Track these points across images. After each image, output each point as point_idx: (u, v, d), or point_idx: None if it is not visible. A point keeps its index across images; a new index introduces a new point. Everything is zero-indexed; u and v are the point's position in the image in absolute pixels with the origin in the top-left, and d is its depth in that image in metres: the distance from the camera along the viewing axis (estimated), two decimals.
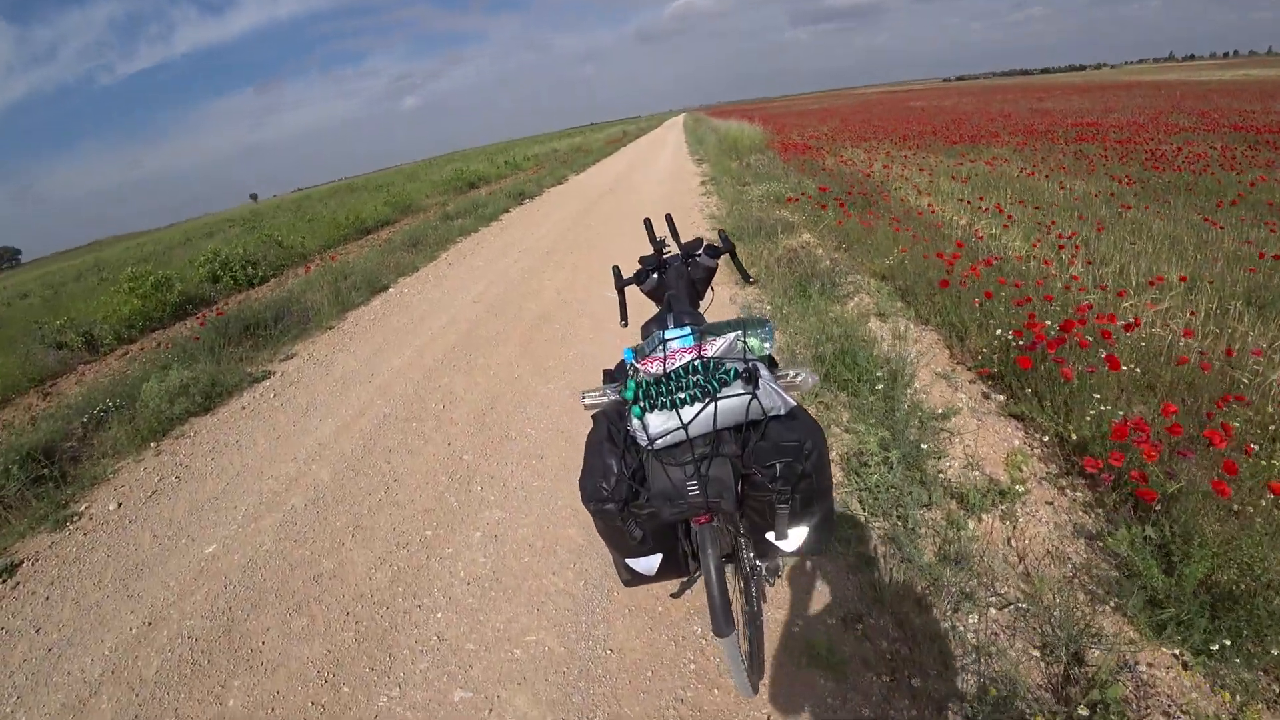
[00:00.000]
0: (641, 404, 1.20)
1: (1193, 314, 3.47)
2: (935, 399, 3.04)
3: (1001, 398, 3.06)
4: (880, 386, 3.03)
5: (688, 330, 1.31)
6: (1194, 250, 4.82)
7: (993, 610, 1.96)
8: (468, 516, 2.67)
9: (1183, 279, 3.88)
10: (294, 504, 2.96)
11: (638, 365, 1.25)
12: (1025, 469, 2.47)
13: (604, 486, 1.26)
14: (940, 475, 2.48)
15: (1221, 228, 5.23)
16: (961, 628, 1.89)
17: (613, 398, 1.39)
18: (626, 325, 2.05)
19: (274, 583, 2.48)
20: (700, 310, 1.91)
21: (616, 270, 2.10)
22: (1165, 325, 3.18)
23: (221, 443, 3.73)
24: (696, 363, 1.22)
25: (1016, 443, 2.67)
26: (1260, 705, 1.61)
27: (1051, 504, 2.34)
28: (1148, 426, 2.22)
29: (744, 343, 1.25)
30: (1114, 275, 4.11)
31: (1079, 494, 2.39)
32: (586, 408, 1.40)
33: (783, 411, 1.21)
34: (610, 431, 1.32)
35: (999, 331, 3.17)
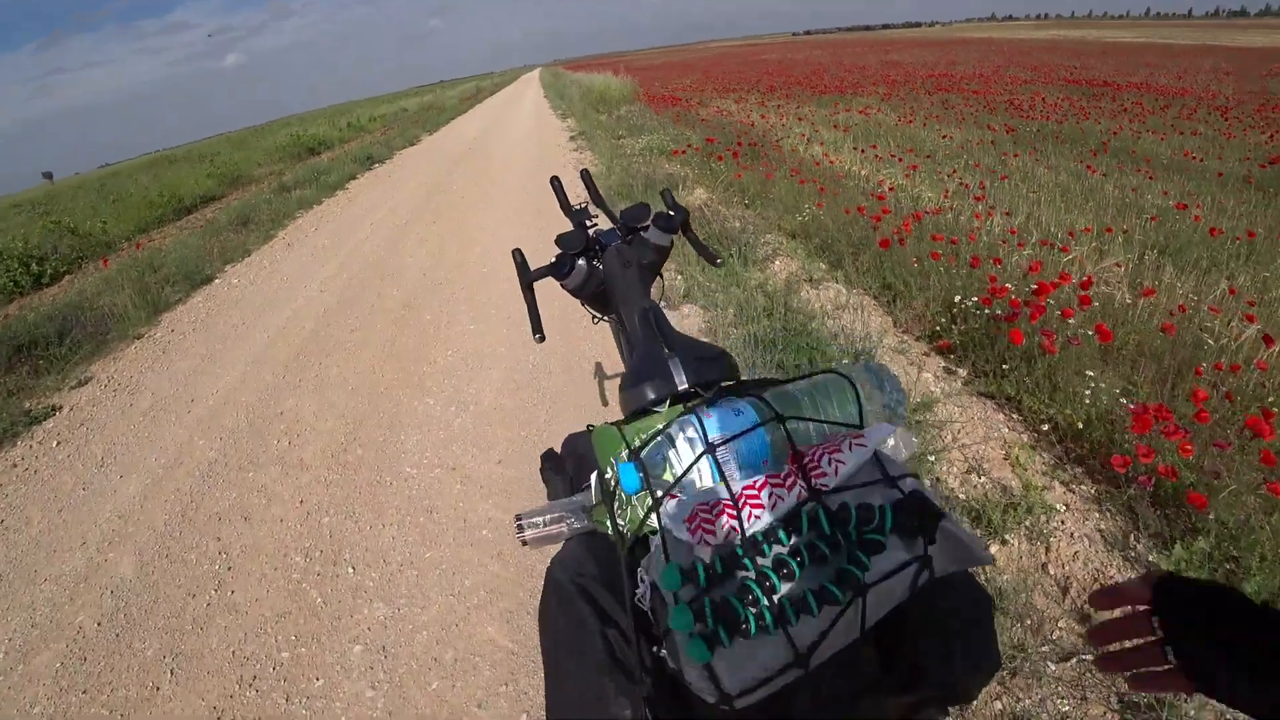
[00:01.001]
0: (702, 627, 0.55)
1: (1117, 265, 3.33)
2: (905, 383, 2.63)
3: (964, 373, 2.72)
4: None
5: (743, 410, 0.68)
6: (1084, 198, 4.85)
7: (1051, 666, 1.56)
8: (339, 619, 1.90)
9: (1088, 230, 3.78)
10: (80, 625, 2.02)
11: (676, 532, 0.59)
12: (1032, 468, 2.10)
13: None
14: (945, 487, 2.06)
15: (1103, 175, 5.34)
16: (1026, 702, 1.47)
17: (576, 524, 0.74)
18: (542, 340, 1.35)
19: None
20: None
21: (519, 258, 1.36)
22: (1115, 284, 2.99)
23: None
24: (812, 512, 0.58)
25: (1006, 431, 2.32)
26: None
27: (1067, 507, 1.99)
28: (1170, 412, 1.90)
29: (889, 443, 0.63)
30: (1029, 226, 3.95)
31: (1084, 487, 2.07)
32: (527, 543, 0.73)
33: (975, 565, 0.62)
34: (591, 622, 0.66)
35: (958, 298, 2.82)
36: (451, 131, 15.46)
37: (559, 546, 0.80)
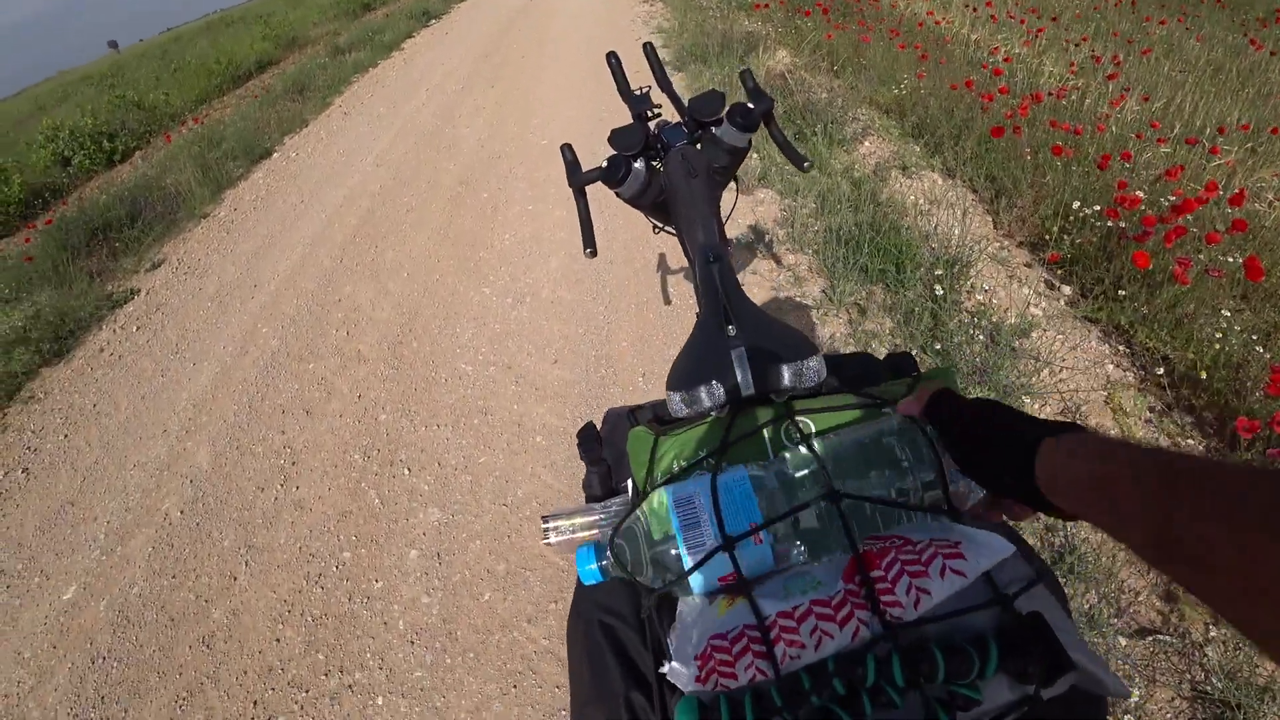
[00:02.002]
0: None
1: (1277, 176, 2.81)
2: (1001, 299, 2.36)
3: (1068, 290, 2.42)
4: (938, 285, 2.32)
5: (789, 473, 0.52)
6: (1241, 81, 4.07)
7: (1123, 640, 1.45)
8: (396, 522, 1.95)
9: (1245, 127, 3.16)
10: (166, 512, 2.17)
11: (683, 672, 0.45)
12: (1137, 416, 1.88)
13: None
14: None
15: (1271, 53, 4.43)
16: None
17: (603, 527, 0.63)
18: (594, 254, 1.20)
19: (149, 661, 1.78)
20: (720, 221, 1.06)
21: (569, 155, 1.18)
22: (1271, 201, 2.52)
23: (77, 411, 2.77)
24: (881, 655, 0.42)
25: (1110, 368, 2.07)
26: None
27: None
28: None
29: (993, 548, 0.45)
30: (1171, 116, 3.35)
31: (1191, 442, 1.85)
32: (551, 545, 0.65)
33: (1106, 694, 0.48)
34: (619, 682, 0.56)
35: (1077, 204, 2.44)
36: None
37: None
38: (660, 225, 1.39)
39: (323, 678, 1.61)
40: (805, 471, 0.51)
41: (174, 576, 1.96)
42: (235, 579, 1.89)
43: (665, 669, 0.50)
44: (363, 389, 2.49)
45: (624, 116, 1.22)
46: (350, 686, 1.58)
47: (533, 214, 3.57)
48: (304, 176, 4.67)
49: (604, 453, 0.74)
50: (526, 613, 1.65)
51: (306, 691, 1.59)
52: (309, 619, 1.75)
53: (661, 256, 2.93)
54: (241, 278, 3.48)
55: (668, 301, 2.70)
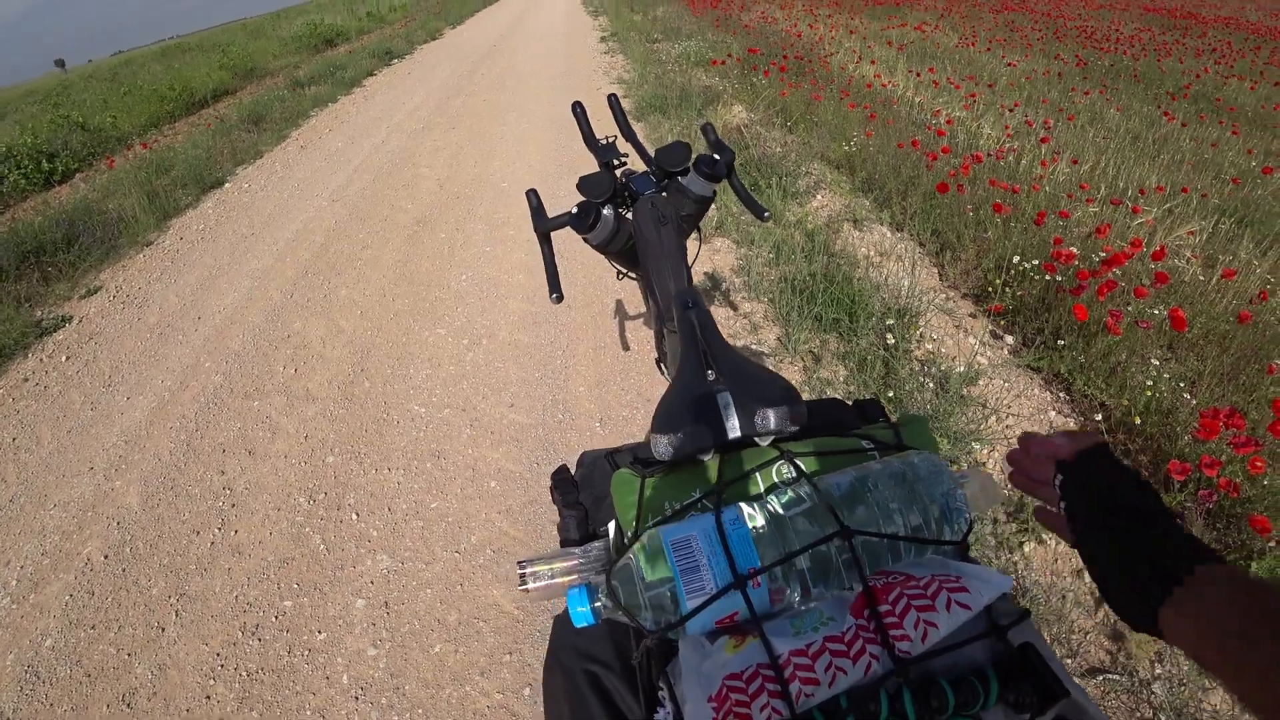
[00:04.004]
0: None
1: (1191, 234, 3.05)
2: (948, 347, 2.45)
3: (1011, 340, 2.53)
4: (889, 334, 2.39)
5: (796, 507, 0.52)
6: (1156, 148, 4.44)
7: (1076, 679, 1.47)
8: (342, 569, 1.86)
9: (1160, 189, 3.43)
10: (88, 557, 2.01)
11: (694, 710, 0.45)
12: None
13: None
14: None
15: (1181, 124, 4.86)
16: None
17: (583, 572, 0.61)
18: (560, 300, 1.19)
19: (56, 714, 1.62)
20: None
21: (534, 201, 1.19)
22: (1188, 257, 2.72)
23: None
24: (892, 689, 0.43)
25: (1052, 414, 2.16)
26: None
27: None
28: (1242, 419, 1.72)
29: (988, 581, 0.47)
30: (1096, 178, 3.61)
31: None
32: (530, 593, 0.62)
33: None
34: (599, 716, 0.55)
35: (1016, 259, 2.58)
36: (475, 25, 14.52)
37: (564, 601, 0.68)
38: (624, 271, 1.40)
39: None
40: (803, 510, 0.51)
41: (93, 627, 1.81)
42: (163, 630, 1.76)
43: (659, 716, 0.49)
44: (310, 429, 2.40)
45: (584, 163, 1.24)
46: None
47: (491, 255, 3.56)
48: (256, 208, 4.56)
49: (580, 496, 0.72)
50: (479, 665, 1.58)
51: None
52: (244, 674, 1.63)
53: (619, 303, 2.96)
54: (185, 309, 3.34)
55: (625, 348, 2.70)
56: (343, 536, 1.95)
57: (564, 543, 0.71)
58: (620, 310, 2.91)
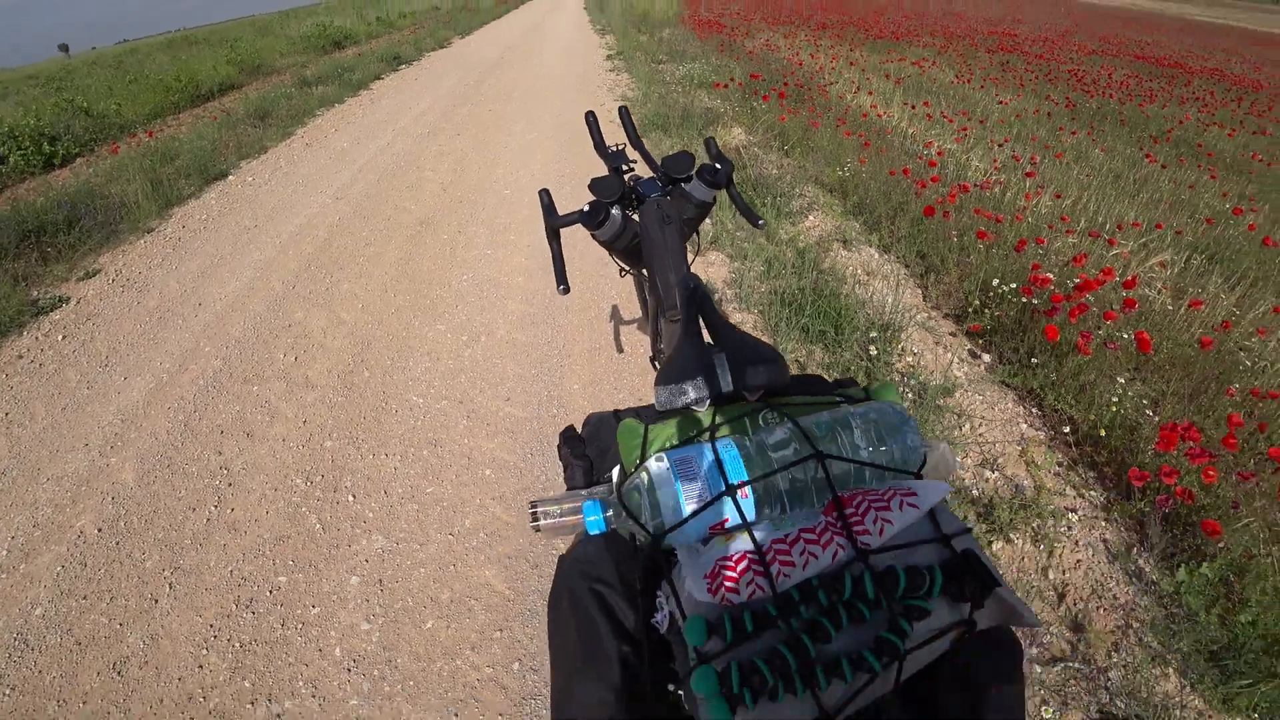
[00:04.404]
0: (726, 691, 0.50)
1: (1162, 265, 3.19)
2: (927, 361, 2.56)
3: (988, 358, 2.64)
4: (872, 346, 2.50)
5: (780, 439, 0.61)
6: (1137, 188, 4.62)
7: (1038, 668, 1.56)
8: (337, 548, 1.91)
9: (1137, 224, 3.60)
10: (81, 529, 2.05)
11: (695, 591, 0.53)
12: (1046, 469, 2.06)
13: None
14: (957, 479, 2.02)
15: (1161, 166, 5.07)
16: None
17: (591, 517, 0.69)
18: (566, 291, 1.27)
19: (49, 689, 1.66)
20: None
21: (546, 199, 1.26)
22: (1158, 287, 2.86)
23: None
24: (855, 575, 0.53)
25: (1024, 426, 2.26)
26: None
27: (1075, 512, 1.96)
28: (1199, 432, 1.84)
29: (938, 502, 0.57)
30: (1077, 212, 3.77)
31: (1094, 494, 2.04)
32: (540, 530, 0.69)
33: (1020, 626, 0.58)
34: (603, 632, 0.62)
35: (996, 281, 2.70)
36: (483, 37, 14.74)
37: (570, 539, 0.76)
38: (626, 268, 1.50)
39: (248, 706, 1.54)
40: (785, 440, 0.60)
41: (85, 598, 1.84)
42: (156, 602, 1.80)
43: (656, 618, 0.57)
44: (309, 415, 2.45)
45: (585, 174, 1.33)
46: (279, 715, 1.51)
47: (492, 258, 3.64)
48: (260, 201, 4.62)
49: (586, 449, 0.80)
50: (470, 640, 1.64)
51: None
52: (236, 645, 1.67)
53: (615, 308, 3.05)
54: (185, 295, 3.39)
55: (620, 350, 2.79)
56: (339, 517, 2.01)
57: (569, 489, 0.79)
58: (615, 315, 3.00)
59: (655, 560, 0.60)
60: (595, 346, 2.81)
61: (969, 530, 0.56)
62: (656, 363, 1.55)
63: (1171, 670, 1.55)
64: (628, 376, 2.58)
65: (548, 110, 6.93)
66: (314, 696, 1.54)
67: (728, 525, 0.56)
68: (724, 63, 8.20)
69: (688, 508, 0.56)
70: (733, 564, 0.52)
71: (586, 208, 1.18)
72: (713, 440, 0.61)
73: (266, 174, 5.23)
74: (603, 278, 3.29)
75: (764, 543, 0.53)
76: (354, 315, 3.10)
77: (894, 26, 13.09)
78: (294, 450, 2.28)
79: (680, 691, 0.56)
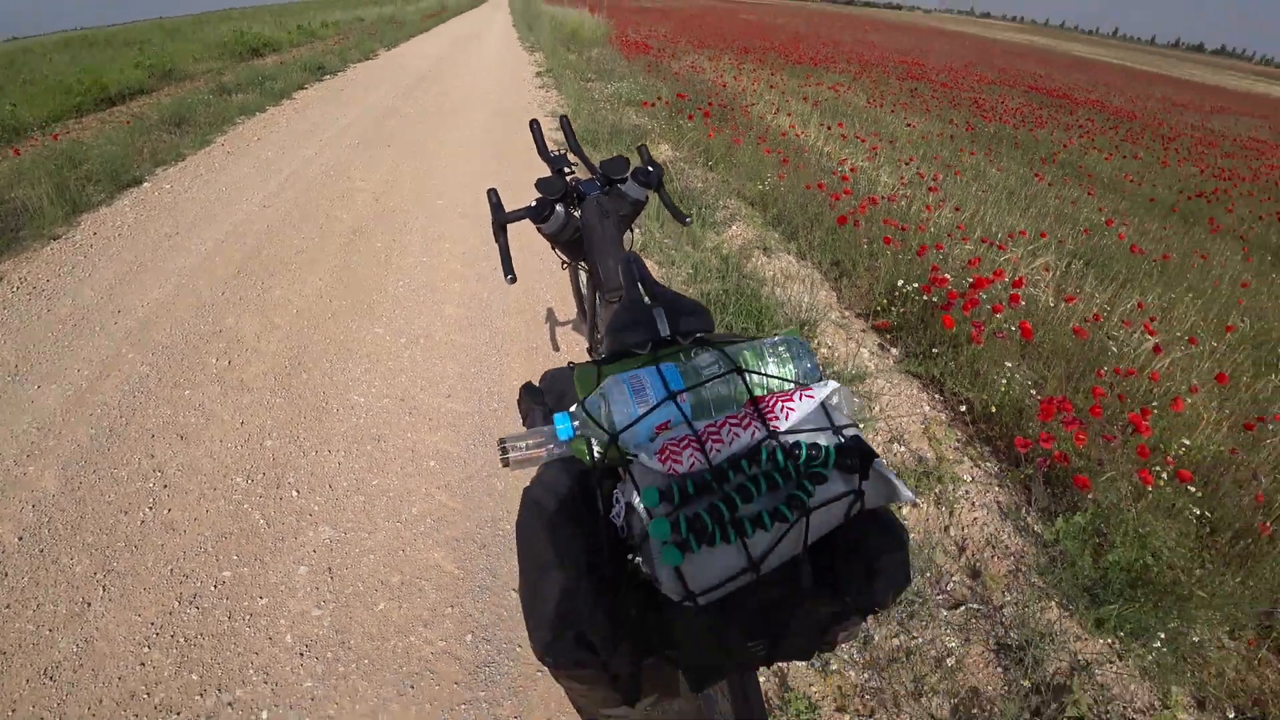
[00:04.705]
0: (676, 539, 0.63)
1: (1046, 269, 3.58)
2: (841, 353, 2.79)
3: (896, 352, 2.91)
4: None
5: (710, 362, 0.75)
6: (1027, 203, 5.13)
7: (944, 611, 1.77)
8: (283, 540, 1.92)
9: (1024, 233, 4.03)
10: (1, 538, 1.97)
11: (649, 460, 0.67)
12: (947, 443, 2.31)
13: (584, 649, 0.69)
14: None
15: (1048, 184, 5.64)
16: (919, 640, 1.67)
17: (555, 450, 0.80)
18: (514, 280, 1.38)
19: None
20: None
21: (494, 198, 1.37)
22: (1041, 287, 3.22)
23: None
24: (769, 448, 0.68)
25: (926, 408, 2.51)
26: (1181, 687, 1.61)
27: (972, 479, 2.20)
28: (1071, 405, 2.12)
29: (834, 397, 0.73)
30: (974, 222, 4.17)
31: (988, 464, 2.30)
32: (510, 464, 0.78)
33: (898, 503, 0.73)
34: (568, 534, 0.73)
35: (901, 282, 2.98)
36: (411, 50, 14.59)
37: (532, 473, 0.87)
38: (568, 260, 1.63)
39: (197, 698, 1.54)
40: (713, 361, 0.74)
41: (8, 607, 1.77)
42: (89, 605, 1.76)
43: (613, 512, 0.69)
44: (246, 416, 2.43)
45: (517, 182, 1.46)
46: (230, 704, 1.52)
47: (428, 265, 3.68)
48: (180, 209, 4.47)
49: (545, 398, 0.92)
50: (423, 618, 1.69)
51: (178, 714, 1.51)
52: (181, 640, 1.66)
53: (550, 310, 3.17)
54: (102, 302, 3.26)
55: (556, 348, 2.90)
56: (283, 512, 2.01)
57: (530, 426, 0.90)
58: (551, 316, 3.12)
59: (612, 461, 0.72)
60: (532, 346, 2.91)
61: (856, 425, 0.71)
62: (595, 352, 1.68)
63: (1054, 603, 1.79)
64: None
65: (479, 124, 6.99)
66: (266, 682, 1.56)
67: (670, 424, 0.69)
68: (651, 83, 8.49)
69: (639, 410, 0.69)
70: (677, 445, 0.66)
71: (534, 204, 1.31)
72: (657, 365, 0.75)
73: (186, 181, 5.05)
74: (538, 283, 3.40)
75: (699, 429, 0.66)
76: (288, 320, 3.08)
77: (812, 53, 13.87)
78: (232, 450, 2.26)
79: (639, 559, 0.68)
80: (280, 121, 7.10)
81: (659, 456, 0.65)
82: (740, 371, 0.73)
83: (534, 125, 1.61)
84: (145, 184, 5.01)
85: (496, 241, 1.38)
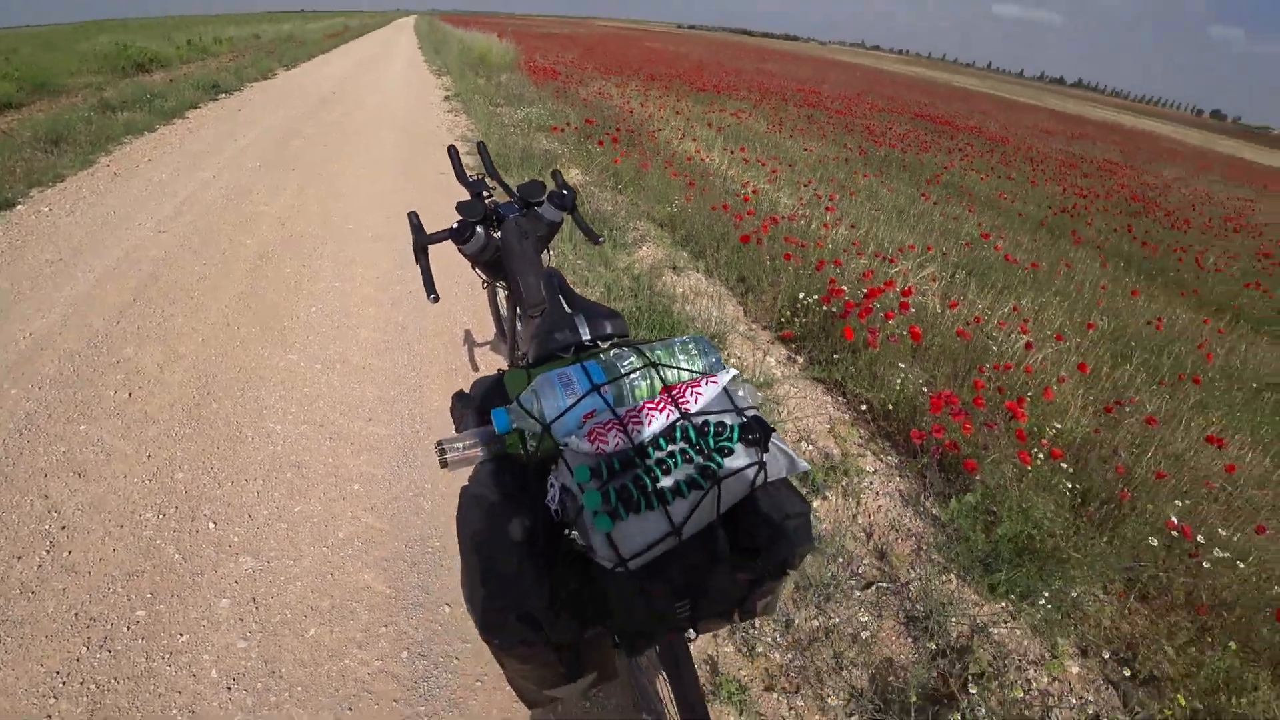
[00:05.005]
0: (607, 506, 0.73)
1: (933, 279, 3.95)
2: (749, 362, 2.97)
3: (801, 360, 3.13)
4: None
5: (627, 358, 0.86)
6: (915, 220, 5.61)
7: (857, 591, 1.93)
8: (201, 574, 1.86)
9: (913, 248, 4.43)
10: None
11: (579, 444, 0.77)
12: (851, 440, 2.51)
13: (528, 626, 0.77)
14: None
15: (934, 203, 6.19)
16: (837, 619, 1.83)
17: (490, 449, 0.88)
18: (437, 300, 1.44)
19: None
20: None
21: (415, 220, 1.41)
22: (929, 295, 3.55)
23: None
24: (683, 426, 0.79)
25: (831, 410, 2.73)
26: (1066, 639, 1.84)
27: (875, 472, 2.41)
28: (957, 398, 2.37)
29: (736, 385, 0.86)
30: (868, 238, 4.53)
31: (890, 458, 2.52)
32: (448, 465, 0.85)
33: (796, 473, 0.86)
34: (508, 522, 0.81)
35: (802, 295, 3.21)
36: (312, 70, 14.14)
37: (469, 472, 0.93)
38: (488, 280, 1.71)
39: None
40: (629, 359, 0.85)
41: None
42: None
43: (549, 494, 0.77)
44: (153, 450, 2.32)
45: (426, 205, 1.53)
46: None
47: (340, 290, 3.62)
48: (63, 234, 4.16)
49: (477, 404, 0.99)
50: (356, 640, 1.68)
51: None
52: (92, 686, 1.58)
53: (467, 331, 3.20)
54: None
55: (475, 368, 2.94)
56: (200, 544, 1.94)
57: (463, 430, 0.97)
58: (469, 338, 3.15)
59: (545, 452, 0.80)
60: (451, 367, 2.93)
61: (756, 408, 0.84)
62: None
63: (953, 575, 1.99)
64: None
65: (386, 147, 6.90)
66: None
67: (595, 414, 0.79)
68: (560, 108, 8.66)
69: (567, 402, 0.79)
70: (603, 428, 0.76)
71: (455, 225, 1.38)
72: (581, 364, 0.85)
73: (68, 204, 4.70)
74: (455, 305, 3.43)
75: (621, 414, 0.77)
76: (193, 349, 2.95)
77: (715, 81, 14.52)
78: (139, 485, 2.15)
79: (574, 534, 0.77)
80: (173, 141, 6.73)
81: (588, 437, 0.75)
82: (654, 365, 0.84)
83: (452, 150, 1.68)
84: (19, 206, 4.63)
85: (418, 263, 1.43)
